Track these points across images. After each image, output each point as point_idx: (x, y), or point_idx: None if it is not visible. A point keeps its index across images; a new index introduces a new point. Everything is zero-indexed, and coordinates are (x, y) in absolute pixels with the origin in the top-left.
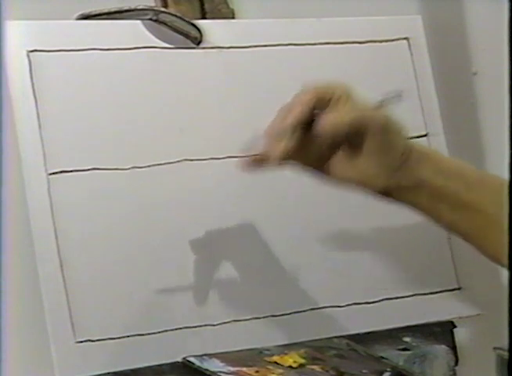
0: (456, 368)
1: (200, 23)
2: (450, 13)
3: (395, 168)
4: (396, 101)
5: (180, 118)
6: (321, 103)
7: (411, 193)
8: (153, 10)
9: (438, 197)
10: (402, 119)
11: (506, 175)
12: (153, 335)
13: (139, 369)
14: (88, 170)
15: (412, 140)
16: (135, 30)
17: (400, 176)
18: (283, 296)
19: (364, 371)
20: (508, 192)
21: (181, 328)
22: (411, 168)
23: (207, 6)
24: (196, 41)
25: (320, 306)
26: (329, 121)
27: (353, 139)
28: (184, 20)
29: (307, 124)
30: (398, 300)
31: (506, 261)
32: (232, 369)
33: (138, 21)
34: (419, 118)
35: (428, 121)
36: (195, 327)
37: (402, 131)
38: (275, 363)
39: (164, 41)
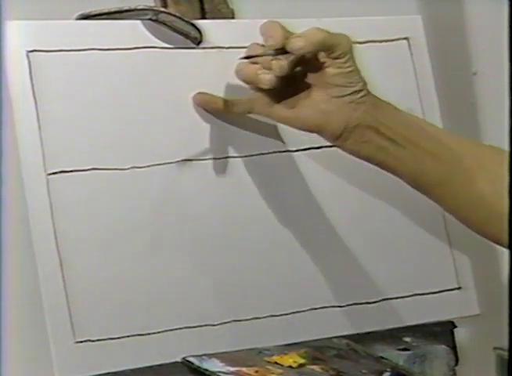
0: (456, 368)
1: (200, 23)
2: (450, 13)
3: (355, 103)
4: None
5: (180, 118)
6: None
7: (371, 135)
8: (153, 10)
9: (398, 141)
10: None
11: (506, 175)
12: (153, 335)
13: (139, 369)
14: (88, 170)
15: None
16: (135, 30)
17: (359, 115)
18: (282, 296)
19: (364, 371)
20: (508, 192)
21: (181, 328)
22: (370, 107)
23: (206, 6)
24: (196, 41)
25: (320, 306)
26: (298, 42)
27: (319, 63)
28: (184, 20)
29: None
30: (398, 300)
31: (466, 219)
32: (231, 369)
33: (138, 21)
34: None
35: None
36: (195, 327)
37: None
38: (275, 363)
39: (164, 41)
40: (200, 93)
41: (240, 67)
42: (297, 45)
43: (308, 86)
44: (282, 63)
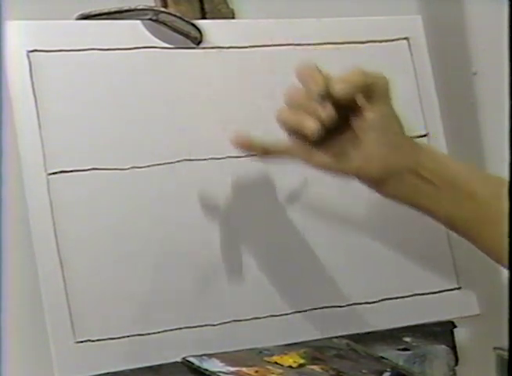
0: (456, 368)
1: (200, 23)
2: (450, 13)
3: (396, 146)
4: None
5: (180, 118)
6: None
7: (410, 178)
8: (153, 10)
9: (436, 184)
10: (402, 119)
11: (506, 175)
12: (153, 335)
13: (139, 369)
14: (88, 170)
15: None
16: (135, 30)
17: (399, 158)
18: (283, 296)
19: (364, 371)
20: (508, 192)
21: (181, 328)
22: (408, 150)
23: (206, 6)
24: (196, 41)
25: (320, 306)
26: (339, 85)
27: (356, 107)
28: (184, 20)
29: None
30: (398, 300)
31: (504, 258)
32: (231, 369)
33: (138, 21)
34: (419, 118)
35: (428, 121)
36: (195, 327)
37: (400, 123)
38: (275, 363)
39: (164, 41)
40: (237, 135)
41: (283, 114)
42: (340, 87)
43: (345, 131)
44: (329, 110)
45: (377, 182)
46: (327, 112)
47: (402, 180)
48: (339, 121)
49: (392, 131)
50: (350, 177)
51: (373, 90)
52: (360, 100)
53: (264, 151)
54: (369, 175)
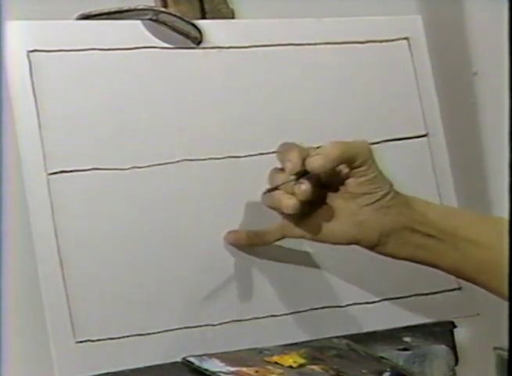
0: (456, 368)
1: (200, 23)
2: (450, 13)
3: (387, 207)
4: None
5: (180, 118)
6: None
7: (408, 235)
8: (153, 10)
9: (436, 236)
10: (402, 119)
11: (506, 175)
12: (153, 335)
13: (139, 369)
14: (88, 170)
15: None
16: (135, 30)
17: (393, 219)
18: (283, 296)
19: (364, 371)
20: (508, 192)
21: (181, 328)
22: (401, 208)
23: (207, 6)
24: (196, 41)
25: (320, 306)
26: (318, 161)
27: (340, 177)
28: (184, 20)
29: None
30: (398, 300)
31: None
32: (231, 369)
33: (138, 21)
34: (419, 118)
35: (428, 121)
36: (195, 327)
37: (388, 184)
38: (275, 363)
39: (164, 41)
40: (229, 232)
41: (264, 197)
42: (317, 164)
43: (334, 200)
44: (304, 188)
45: (375, 245)
46: (302, 189)
47: (401, 239)
48: (325, 191)
49: (380, 193)
50: (347, 244)
51: (355, 159)
52: (343, 170)
53: (259, 239)
54: (366, 241)
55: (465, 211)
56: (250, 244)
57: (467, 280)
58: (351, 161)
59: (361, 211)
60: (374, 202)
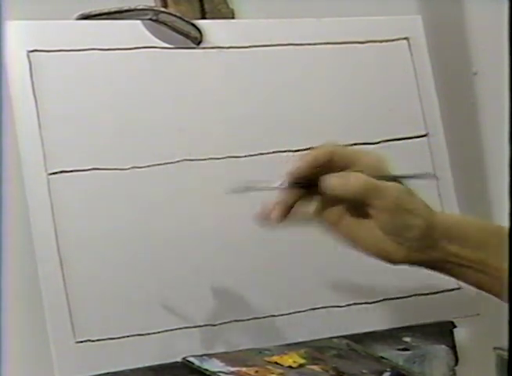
0: (456, 368)
1: (200, 23)
2: (450, 13)
3: (413, 248)
4: (423, 178)
5: (180, 118)
6: (327, 164)
7: (440, 264)
8: (153, 10)
9: (465, 265)
10: (402, 119)
11: (506, 175)
12: (153, 335)
13: (139, 369)
14: (88, 170)
15: (436, 212)
16: (135, 30)
17: (421, 254)
18: (283, 296)
19: (364, 371)
20: (508, 193)
21: (181, 328)
22: (433, 245)
23: (207, 6)
24: (196, 41)
25: (320, 306)
26: (333, 184)
27: (361, 208)
28: (184, 20)
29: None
30: (398, 300)
31: None
32: (231, 369)
33: (138, 21)
34: (419, 118)
35: (428, 121)
36: (195, 327)
37: (421, 208)
38: (275, 363)
39: (164, 41)
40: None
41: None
42: (331, 186)
43: (367, 216)
44: (273, 216)
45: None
46: (273, 215)
47: (432, 265)
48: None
49: (407, 234)
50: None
51: (374, 202)
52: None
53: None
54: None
55: (493, 235)
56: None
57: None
58: (370, 202)
59: (388, 245)
60: (399, 242)
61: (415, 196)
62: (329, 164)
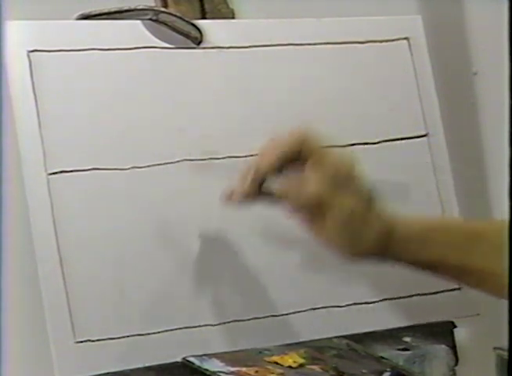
0: (456, 368)
1: (200, 23)
2: (450, 13)
3: (367, 251)
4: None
5: (180, 118)
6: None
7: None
8: (153, 10)
9: (427, 266)
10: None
11: (506, 175)
12: (153, 335)
13: (139, 369)
14: (88, 170)
15: (395, 216)
16: (135, 30)
17: (378, 253)
18: (283, 296)
19: (364, 371)
20: (509, 193)
21: (181, 328)
22: (388, 249)
23: (207, 6)
24: (196, 41)
25: (320, 306)
26: (288, 195)
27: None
28: (184, 20)
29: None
30: (398, 300)
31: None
32: (231, 369)
33: (138, 21)
34: (419, 118)
35: (428, 121)
36: (195, 327)
37: (375, 218)
38: (275, 363)
39: (164, 41)
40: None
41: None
42: (287, 196)
43: None
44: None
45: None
46: (246, 189)
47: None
48: None
49: (363, 239)
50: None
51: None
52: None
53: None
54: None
55: (457, 230)
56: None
57: (471, 280)
58: (323, 211)
59: (342, 242)
60: (355, 244)
61: (372, 206)
62: (297, 155)
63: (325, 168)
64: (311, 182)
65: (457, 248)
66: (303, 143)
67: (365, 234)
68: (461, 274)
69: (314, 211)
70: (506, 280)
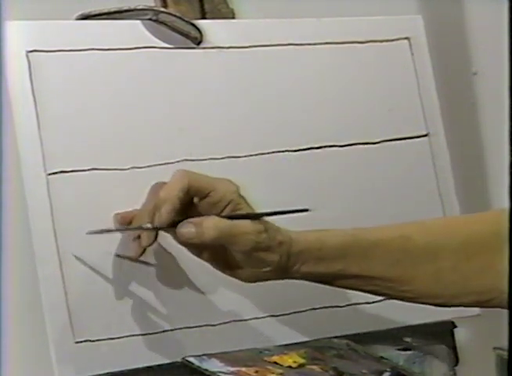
0: (456, 368)
1: (200, 23)
2: (450, 13)
3: (268, 276)
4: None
5: (180, 118)
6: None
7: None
8: (153, 10)
9: (324, 280)
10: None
11: (506, 175)
12: (153, 335)
13: (139, 369)
14: (88, 170)
15: (293, 237)
16: (135, 30)
17: (276, 277)
18: (283, 296)
19: (364, 371)
20: (509, 193)
21: (181, 328)
22: (287, 271)
23: (206, 6)
24: (196, 41)
25: (320, 306)
26: (187, 234)
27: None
28: (184, 20)
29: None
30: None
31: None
32: (231, 369)
33: (138, 21)
34: (419, 118)
35: (428, 121)
36: (195, 327)
37: (276, 244)
38: (275, 363)
39: (164, 41)
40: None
41: None
42: (187, 235)
43: None
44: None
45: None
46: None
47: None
48: None
49: (262, 266)
50: None
51: (230, 246)
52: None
53: None
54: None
55: (354, 245)
56: None
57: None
58: (224, 244)
59: (242, 270)
60: (256, 271)
61: (271, 232)
62: (188, 198)
63: (217, 192)
64: (207, 221)
65: (356, 258)
66: (188, 187)
67: (268, 260)
68: (363, 283)
69: (215, 250)
70: (405, 287)
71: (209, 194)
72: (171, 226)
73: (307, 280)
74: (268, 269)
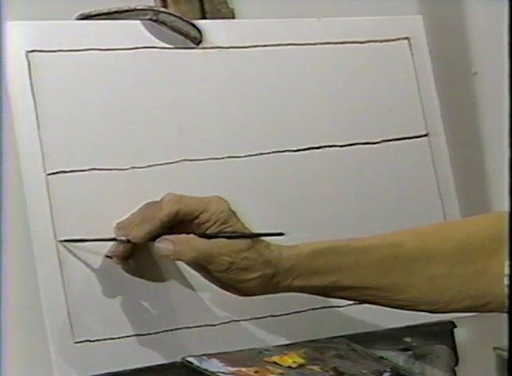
0: (456, 368)
1: (200, 23)
2: (451, 13)
3: (256, 291)
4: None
5: (180, 118)
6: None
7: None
8: (153, 10)
9: (320, 292)
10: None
11: (506, 175)
12: (153, 335)
13: (139, 369)
14: (87, 170)
15: (282, 254)
16: (135, 30)
17: (265, 291)
18: (283, 296)
19: (364, 371)
20: (509, 194)
21: (181, 328)
22: (277, 286)
23: (206, 6)
24: (196, 41)
25: (320, 306)
26: (166, 251)
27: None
28: (184, 20)
29: None
30: None
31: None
32: (231, 369)
33: (138, 21)
34: (419, 118)
35: (428, 121)
36: (195, 327)
37: (258, 263)
38: (275, 363)
39: (164, 41)
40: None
41: None
42: (166, 252)
43: None
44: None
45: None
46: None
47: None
48: None
49: (245, 286)
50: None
51: (210, 267)
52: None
53: None
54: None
55: (346, 256)
56: None
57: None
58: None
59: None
60: (242, 287)
61: (256, 250)
62: (176, 219)
63: (208, 211)
64: (186, 241)
65: (348, 268)
66: (178, 210)
67: (249, 278)
68: (358, 294)
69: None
70: (400, 295)
71: (198, 216)
72: (150, 240)
73: (302, 292)
74: (250, 285)
